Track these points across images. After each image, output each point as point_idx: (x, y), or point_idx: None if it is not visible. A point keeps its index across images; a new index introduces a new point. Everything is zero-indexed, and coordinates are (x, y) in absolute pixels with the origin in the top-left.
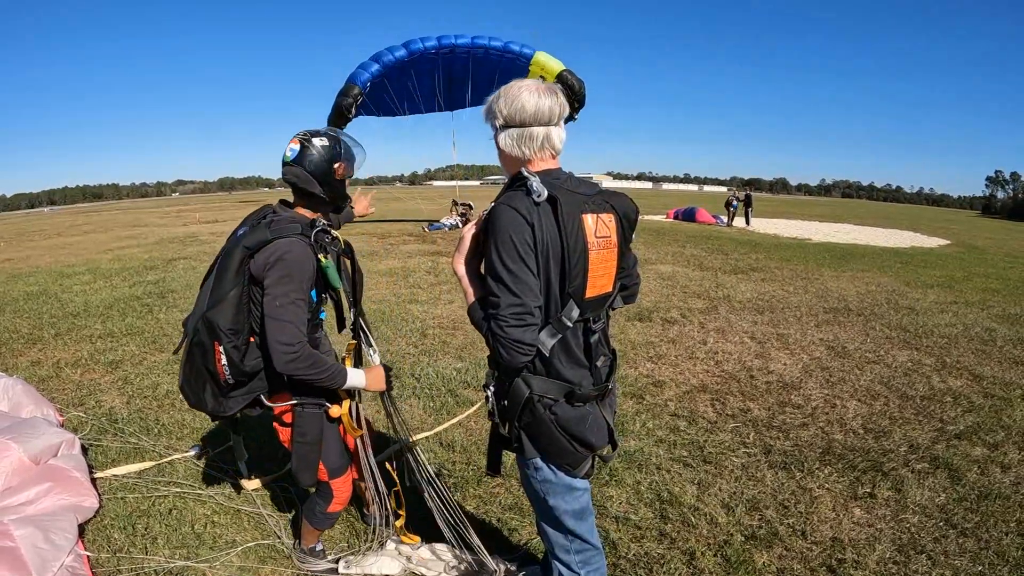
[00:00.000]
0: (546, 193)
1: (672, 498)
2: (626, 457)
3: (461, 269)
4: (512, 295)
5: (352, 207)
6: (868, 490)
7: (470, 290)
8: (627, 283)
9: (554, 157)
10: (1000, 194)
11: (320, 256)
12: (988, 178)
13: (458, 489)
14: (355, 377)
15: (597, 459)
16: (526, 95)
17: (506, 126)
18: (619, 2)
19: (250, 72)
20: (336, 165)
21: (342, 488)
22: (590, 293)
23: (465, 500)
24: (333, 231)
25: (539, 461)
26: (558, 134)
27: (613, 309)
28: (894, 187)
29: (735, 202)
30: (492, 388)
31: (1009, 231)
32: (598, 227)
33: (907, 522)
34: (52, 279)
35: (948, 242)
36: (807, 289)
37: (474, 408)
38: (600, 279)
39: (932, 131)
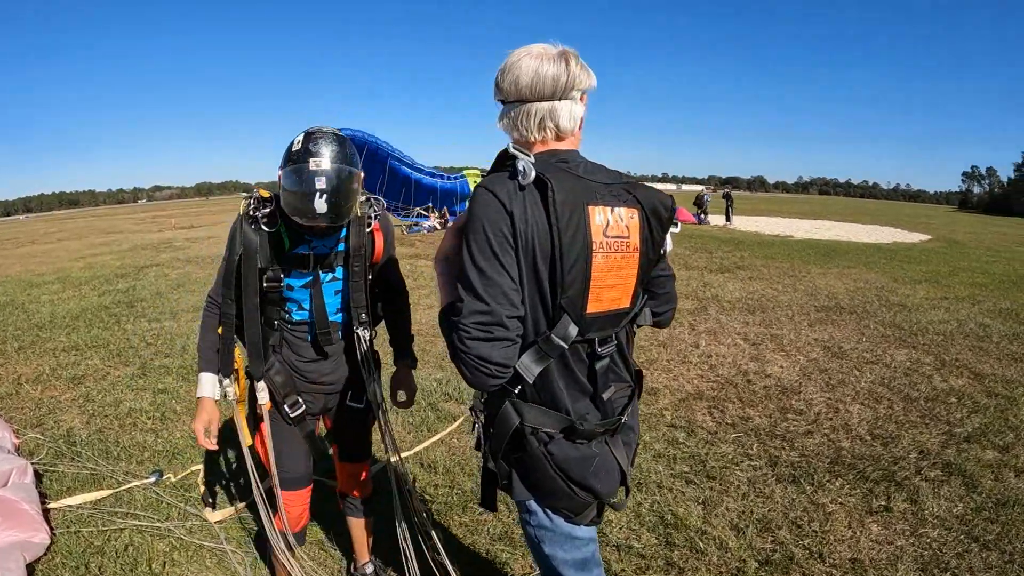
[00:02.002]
0: (533, 174)
1: (677, 520)
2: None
3: (439, 267)
4: (478, 300)
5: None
6: (883, 503)
7: (442, 293)
8: (656, 307)
9: (560, 139)
10: (976, 189)
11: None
12: (964, 173)
13: (441, 516)
14: (201, 383)
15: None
16: (525, 62)
17: (504, 102)
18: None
19: (230, 75)
20: (279, 171)
21: (289, 504)
22: (593, 308)
23: (449, 528)
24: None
25: (533, 504)
26: (567, 110)
27: (638, 327)
28: (871, 183)
29: (707, 197)
30: (481, 411)
31: (986, 225)
32: (611, 223)
33: (927, 537)
34: (20, 289)
35: (929, 237)
36: (795, 287)
37: (456, 424)
38: (609, 291)
39: (907, 127)
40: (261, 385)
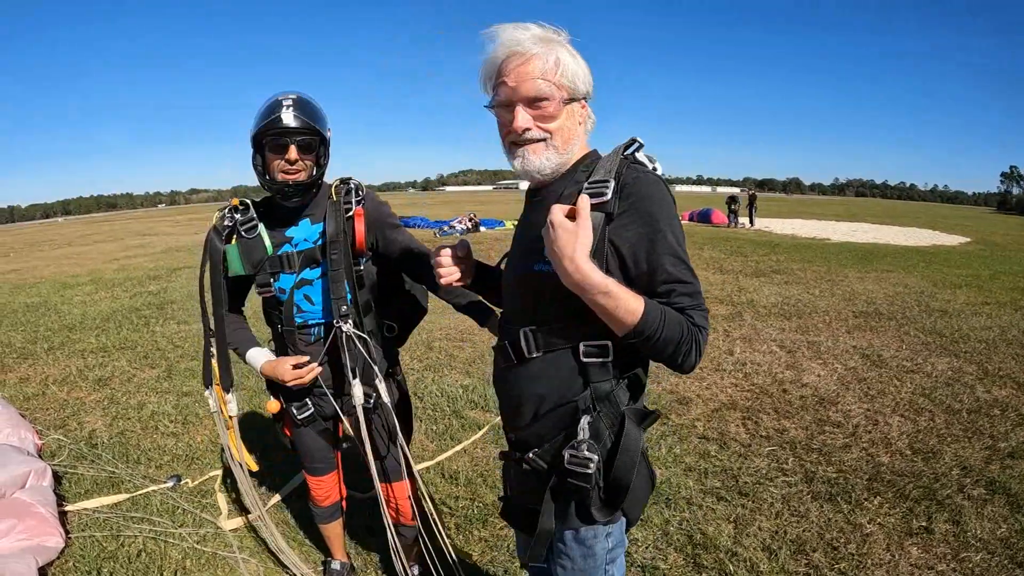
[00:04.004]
0: (660, 167)
1: (706, 540)
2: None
3: (599, 274)
4: (697, 280)
5: None
6: (923, 524)
7: (629, 295)
8: None
9: None
10: (1015, 190)
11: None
12: (1003, 174)
13: (460, 531)
14: (254, 360)
15: None
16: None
17: (583, 98)
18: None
19: (267, 80)
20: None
21: (315, 485)
22: None
23: (468, 544)
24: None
25: (615, 524)
26: None
27: None
28: (908, 185)
29: (738, 200)
30: (588, 443)
31: None
32: None
33: (969, 561)
34: (54, 290)
35: (968, 239)
36: (833, 292)
37: (480, 433)
38: None
39: (945, 128)
40: (229, 397)
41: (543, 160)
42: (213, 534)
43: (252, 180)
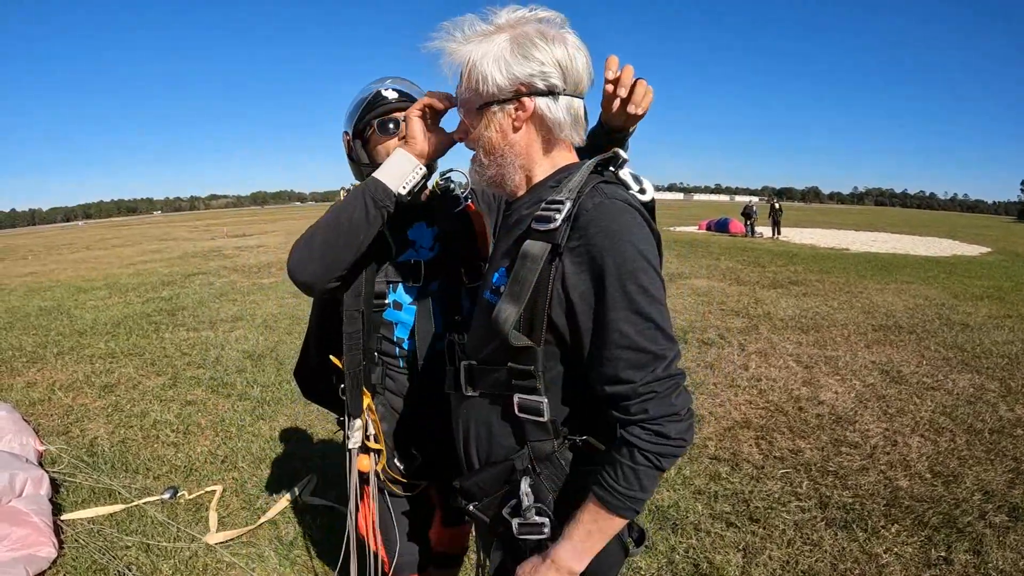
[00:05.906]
0: (652, 189)
1: (712, 570)
2: (659, 515)
3: (576, 563)
4: (673, 342)
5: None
6: (943, 554)
7: (596, 521)
8: None
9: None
10: None
11: None
12: (1023, 182)
13: None
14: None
15: None
16: (569, 40)
17: (557, 93)
18: (644, 5)
19: (288, 87)
20: (346, 134)
21: None
22: None
23: None
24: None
25: None
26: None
27: None
28: (927, 194)
29: (755, 209)
30: (535, 507)
31: None
32: None
33: None
34: (69, 294)
35: (988, 249)
36: (852, 304)
37: None
38: None
39: (964, 136)
40: (357, 424)
41: (472, 176)
42: (205, 549)
43: (272, 185)
